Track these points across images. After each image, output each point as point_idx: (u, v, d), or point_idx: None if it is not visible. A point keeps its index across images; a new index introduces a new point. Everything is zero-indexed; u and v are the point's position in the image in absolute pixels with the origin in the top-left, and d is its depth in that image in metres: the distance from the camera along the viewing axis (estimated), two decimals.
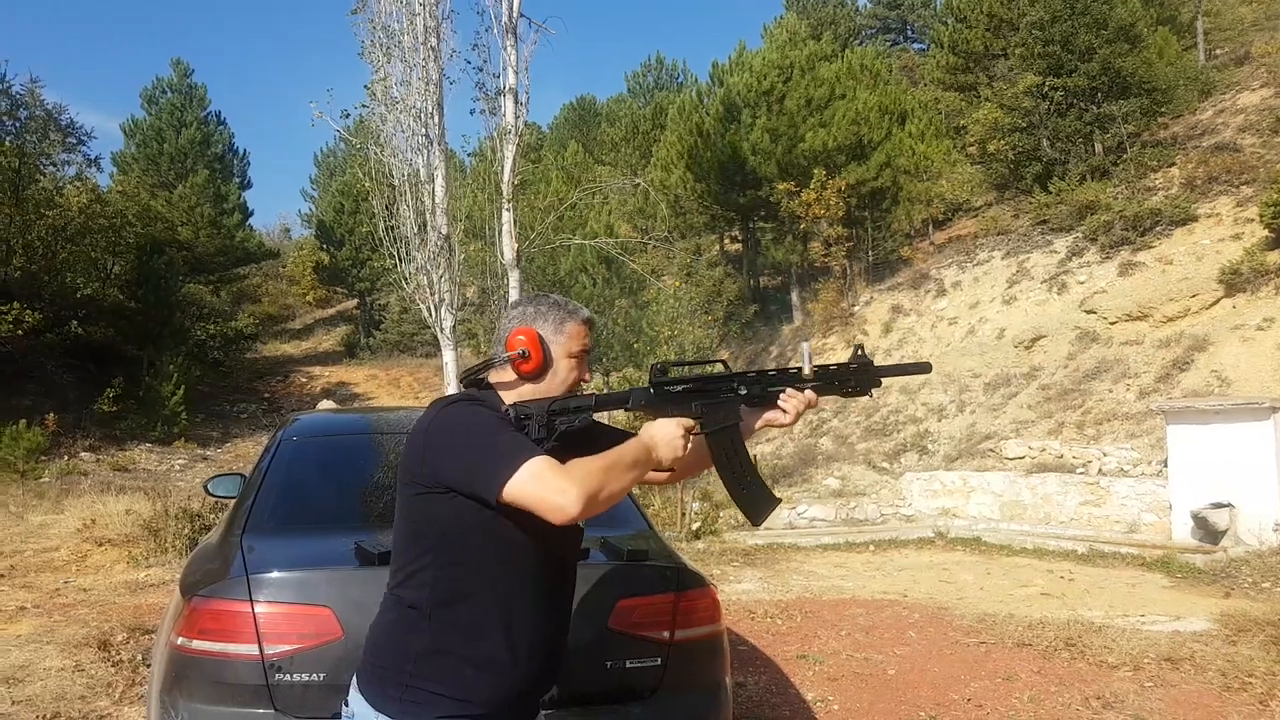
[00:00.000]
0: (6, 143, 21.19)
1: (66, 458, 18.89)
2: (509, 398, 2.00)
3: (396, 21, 12.89)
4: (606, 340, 19.21)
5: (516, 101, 12.86)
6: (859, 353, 2.21)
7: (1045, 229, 20.12)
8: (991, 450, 14.55)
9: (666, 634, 2.84)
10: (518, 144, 12.81)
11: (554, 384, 2.04)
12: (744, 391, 2.10)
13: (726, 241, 30.43)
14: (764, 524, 10.41)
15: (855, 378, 2.16)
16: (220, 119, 36.08)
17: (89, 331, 22.12)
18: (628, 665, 2.78)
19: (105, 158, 35.06)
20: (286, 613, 2.56)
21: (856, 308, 22.17)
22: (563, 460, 1.79)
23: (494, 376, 2.04)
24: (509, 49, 12.85)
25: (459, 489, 1.82)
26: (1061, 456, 13.43)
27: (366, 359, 33.81)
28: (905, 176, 23.00)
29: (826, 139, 22.56)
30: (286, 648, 2.51)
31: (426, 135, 12.57)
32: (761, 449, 18.40)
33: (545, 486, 1.74)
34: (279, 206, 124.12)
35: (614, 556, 2.88)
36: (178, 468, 20.09)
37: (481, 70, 13.13)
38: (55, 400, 20.75)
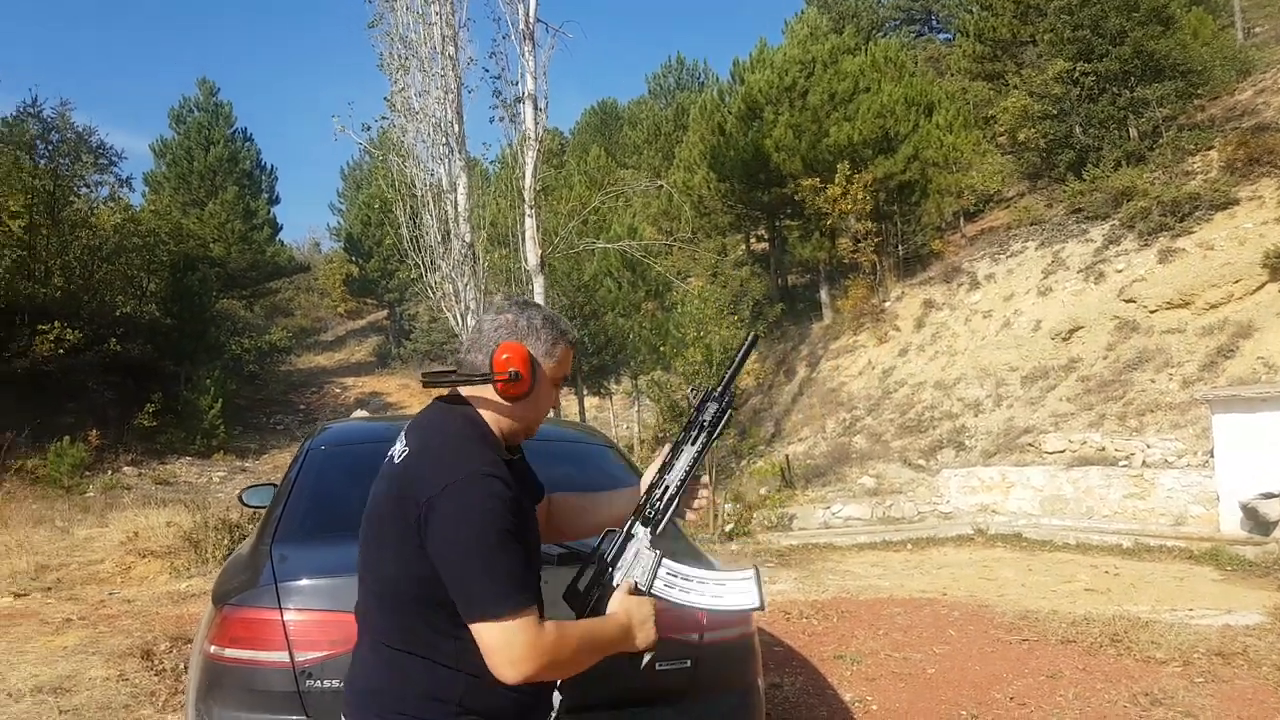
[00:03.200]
0: (40, 166, 21.57)
1: (110, 472, 19.18)
2: (487, 418, 1.84)
3: (414, 32, 12.99)
4: (633, 344, 19.15)
5: (536, 107, 12.89)
6: (692, 393, 2.01)
7: (1080, 217, 19.78)
8: (1031, 444, 14.31)
9: (695, 636, 2.79)
10: (538, 149, 12.82)
11: (532, 410, 1.89)
12: (642, 532, 1.90)
13: (752, 240, 30.24)
14: (797, 526, 10.13)
15: (708, 411, 1.94)
16: (247, 135, 36.51)
17: (127, 348, 22.45)
18: (656, 667, 2.71)
19: (137, 178, 35.74)
20: (316, 620, 2.55)
21: (887, 303, 21.93)
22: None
23: (468, 389, 1.85)
24: (526, 55, 12.88)
25: (440, 576, 1.68)
26: (1103, 449, 13.17)
27: (398, 369, 34.03)
28: (934, 169, 22.69)
29: (851, 133, 22.32)
30: (317, 654, 2.50)
31: (447, 144, 12.63)
32: (794, 449, 18.26)
33: (504, 650, 1.62)
34: (309, 221, 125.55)
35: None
36: (217, 479, 20.33)
37: (499, 78, 13.21)
38: (96, 417, 21.07)
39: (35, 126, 21.94)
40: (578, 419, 21.20)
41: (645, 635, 1.81)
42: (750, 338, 2.08)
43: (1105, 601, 7.90)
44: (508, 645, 1.61)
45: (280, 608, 2.56)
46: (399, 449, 1.82)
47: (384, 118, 13.06)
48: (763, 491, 14.98)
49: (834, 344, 22.23)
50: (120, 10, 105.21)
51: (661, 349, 16.16)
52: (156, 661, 6.07)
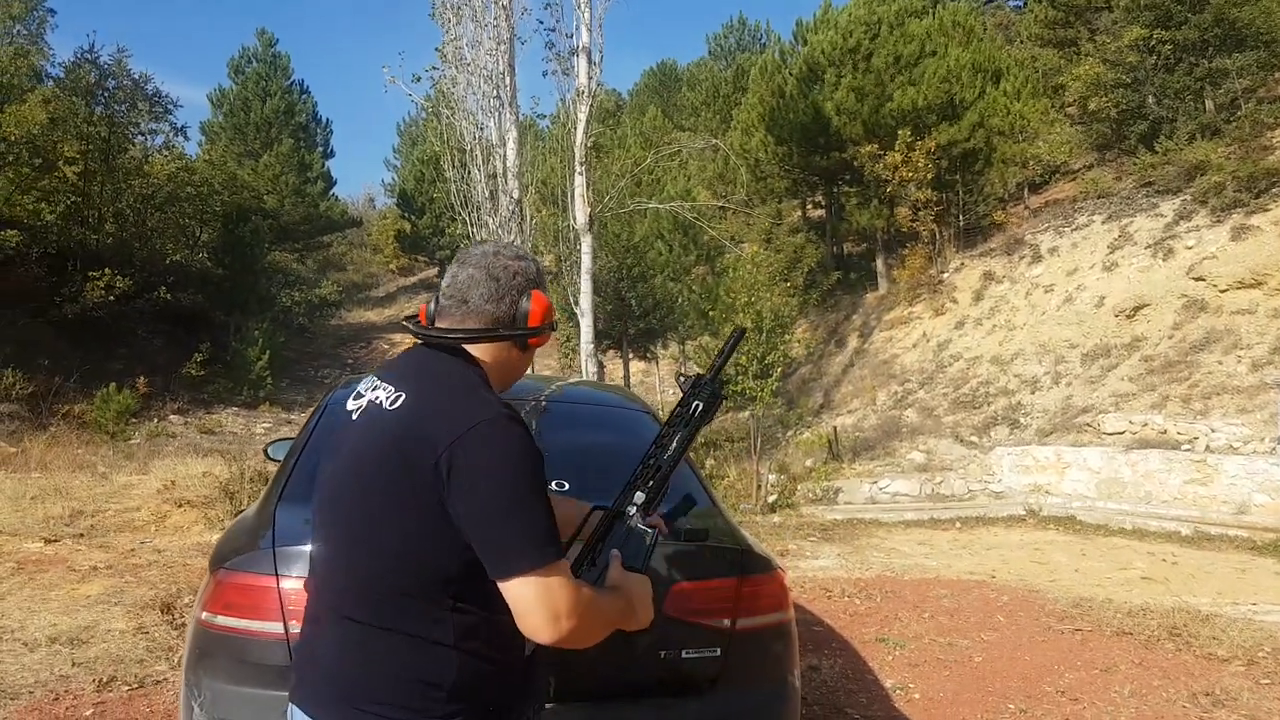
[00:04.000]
0: (96, 112, 21.73)
1: (156, 420, 19.42)
2: (485, 362, 1.71)
3: None
4: (681, 308, 18.85)
5: (590, 61, 12.56)
6: (681, 380, 2.00)
7: (1150, 191, 18.97)
8: (1089, 424, 13.79)
9: (727, 622, 2.59)
10: (591, 105, 12.50)
11: (525, 363, 1.82)
12: (637, 510, 1.83)
13: (809, 206, 29.66)
14: (842, 500, 9.84)
15: (699, 397, 1.93)
16: (304, 88, 36.64)
17: (178, 297, 22.72)
18: (684, 655, 2.53)
19: (194, 127, 35.97)
20: None
21: (945, 275, 21.34)
22: None
23: (481, 349, 1.72)
24: (582, 7, 12.56)
25: (463, 531, 1.52)
26: (1165, 432, 12.63)
27: None
28: (999, 137, 21.94)
29: (916, 98, 21.63)
30: None
31: (498, 97, 12.38)
32: (843, 420, 17.90)
33: (545, 605, 1.50)
34: (366, 177, 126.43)
35: (670, 536, 2.61)
36: (261, 431, 20.50)
37: (554, 30, 12.88)
38: (145, 364, 21.34)
39: (92, 73, 22.05)
40: (623, 383, 21.03)
41: (645, 613, 1.73)
42: (738, 331, 2.08)
43: (1163, 591, 7.53)
44: (550, 599, 1.49)
45: (277, 574, 2.39)
46: (385, 395, 1.64)
47: (434, 68, 12.84)
48: (808, 463, 14.67)
49: (888, 314, 21.73)
50: None
51: (710, 314, 15.82)
52: (176, 615, 5.97)
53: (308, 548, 2.35)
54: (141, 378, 19.82)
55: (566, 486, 2.65)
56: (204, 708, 2.40)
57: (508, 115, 12.41)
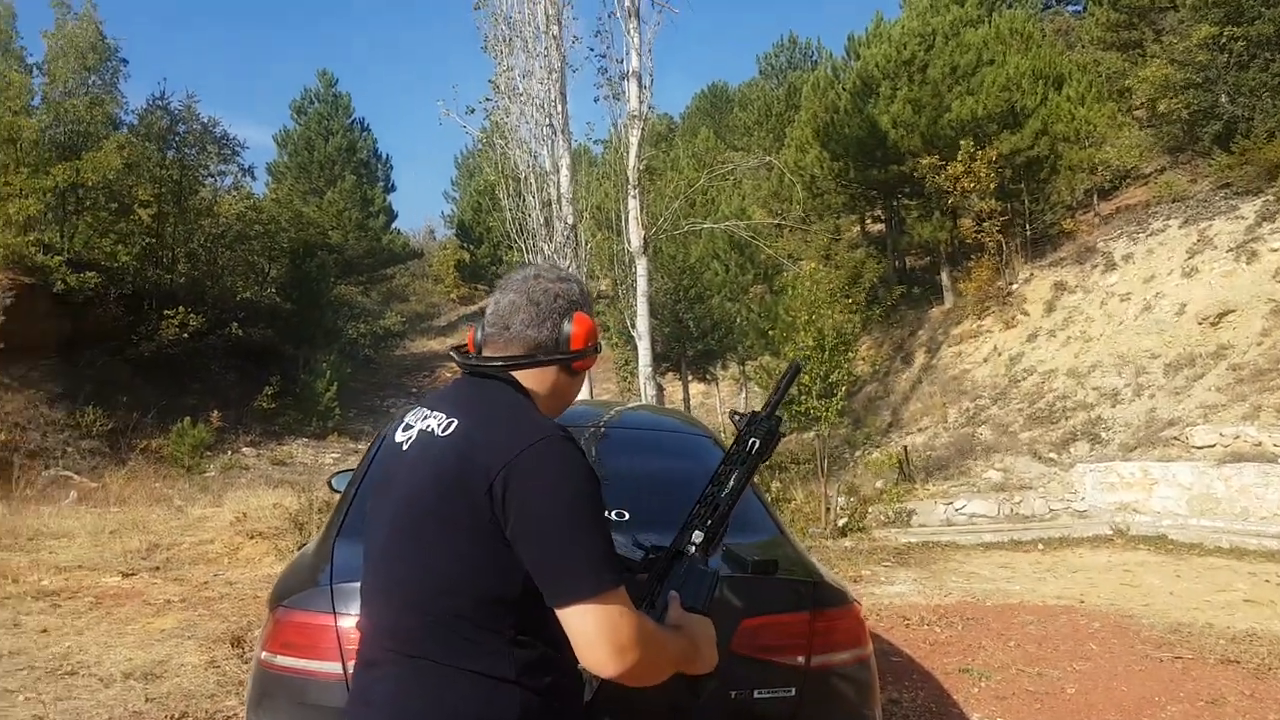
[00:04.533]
0: (168, 156, 22.43)
1: (230, 452, 19.82)
2: (533, 389, 1.67)
3: (518, 12, 12.84)
4: (740, 328, 18.65)
5: (640, 85, 12.57)
6: (735, 418, 1.97)
7: (1229, 193, 18.28)
8: (1176, 438, 13.19)
9: (801, 659, 2.43)
10: (643, 128, 12.47)
11: (574, 389, 1.77)
12: (696, 549, 1.78)
13: (868, 221, 29.27)
14: (916, 522, 9.50)
15: (755, 434, 1.88)
16: (364, 125, 37.45)
17: (248, 332, 23.26)
18: (756, 696, 2.38)
19: (260, 167, 37.10)
20: None
21: (1014, 286, 20.80)
22: None
23: (527, 375, 1.67)
24: (632, 32, 12.58)
25: (519, 555, 1.46)
26: (1260, 444, 12.01)
27: None
28: (1064, 144, 21.40)
29: (975, 107, 21.22)
30: None
31: (550, 125, 12.41)
32: (913, 439, 17.47)
33: (609, 636, 1.42)
34: (426, 210, 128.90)
35: (736, 568, 2.44)
36: (330, 460, 20.77)
37: (605, 56, 12.95)
38: (219, 398, 21.84)
39: (163, 119, 22.80)
40: (681, 406, 20.85)
41: (709, 655, 1.64)
42: (794, 366, 2.07)
43: (1270, 615, 7.07)
44: (613, 629, 1.42)
45: (335, 612, 2.31)
46: (437, 423, 1.60)
47: (487, 99, 12.94)
48: (879, 485, 14.30)
49: (955, 329, 21.24)
50: (248, 10, 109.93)
51: (770, 333, 15.59)
52: (246, 649, 5.95)
53: None
54: (215, 411, 20.28)
55: (627, 516, 2.56)
56: None
57: (560, 142, 12.43)
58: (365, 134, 37.32)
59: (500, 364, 1.65)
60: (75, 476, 15.99)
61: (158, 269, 21.89)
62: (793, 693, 2.40)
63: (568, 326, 1.66)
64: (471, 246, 36.52)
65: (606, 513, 1.55)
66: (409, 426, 1.67)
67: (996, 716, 4.84)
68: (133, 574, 8.96)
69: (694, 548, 1.75)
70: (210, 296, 23.21)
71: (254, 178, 27.02)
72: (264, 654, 2.41)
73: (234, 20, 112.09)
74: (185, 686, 5.39)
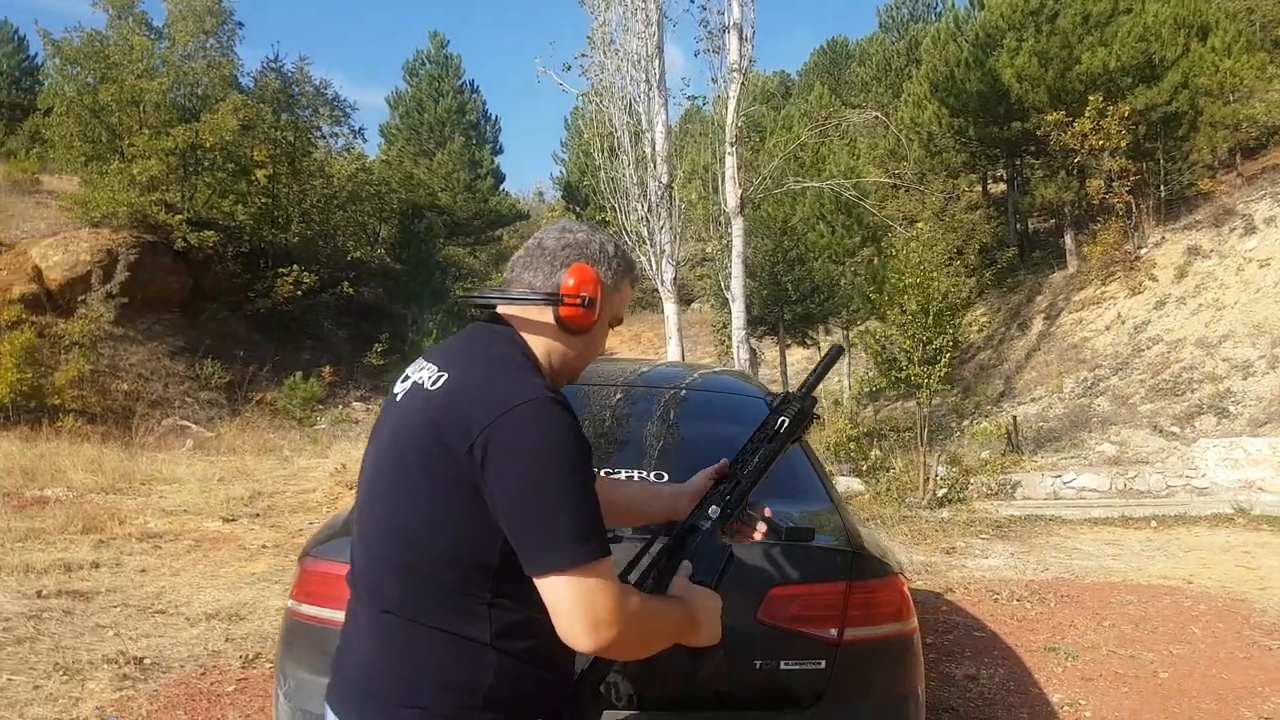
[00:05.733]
0: (282, 119, 23.13)
1: (340, 406, 20.49)
2: (535, 349, 1.57)
3: None
4: (845, 292, 18.13)
5: (741, 38, 12.21)
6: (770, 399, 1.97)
7: None
8: None
9: (834, 631, 2.30)
10: (742, 82, 12.08)
11: (587, 349, 1.64)
12: (712, 524, 1.72)
13: (989, 181, 28.03)
14: (1020, 495, 9.09)
15: (786, 413, 1.81)
16: (474, 88, 37.95)
17: (359, 291, 23.95)
18: (782, 667, 2.28)
19: (373, 129, 38.05)
20: None
21: (1144, 250, 19.64)
22: None
23: (518, 310, 1.58)
24: None
25: (497, 520, 1.39)
26: None
27: None
28: (1206, 99, 19.96)
29: (1107, 59, 19.95)
30: None
31: (646, 81, 12.17)
32: (1025, 409, 16.76)
33: (584, 609, 1.36)
34: (537, 172, 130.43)
35: (771, 534, 2.31)
36: None
37: (705, 9, 12.57)
38: (331, 354, 22.61)
39: (277, 81, 23.51)
40: (779, 371, 20.49)
41: (710, 629, 1.58)
42: (834, 349, 1.95)
43: None
44: (589, 603, 1.35)
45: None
46: (428, 374, 1.53)
47: (584, 55, 12.74)
48: (984, 455, 13.76)
49: (1078, 295, 20.22)
50: None
51: (874, 297, 15.08)
52: None
53: None
54: (327, 367, 20.96)
55: (665, 478, 2.53)
56: (289, 696, 2.38)
57: (656, 99, 12.18)
58: (475, 96, 37.80)
59: (478, 297, 1.63)
60: (193, 426, 16.80)
61: (273, 228, 22.67)
62: (822, 665, 2.28)
63: (561, 275, 1.57)
64: (577, 208, 36.67)
65: (594, 476, 1.46)
66: (406, 378, 1.60)
67: (1079, 698, 4.55)
68: (233, 520, 9.33)
69: (709, 522, 1.70)
70: (323, 255, 23.98)
71: (365, 139, 27.77)
72: (290, 602, 2.45)
73: None
74: (264, 629, 5.54)
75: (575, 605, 1.35)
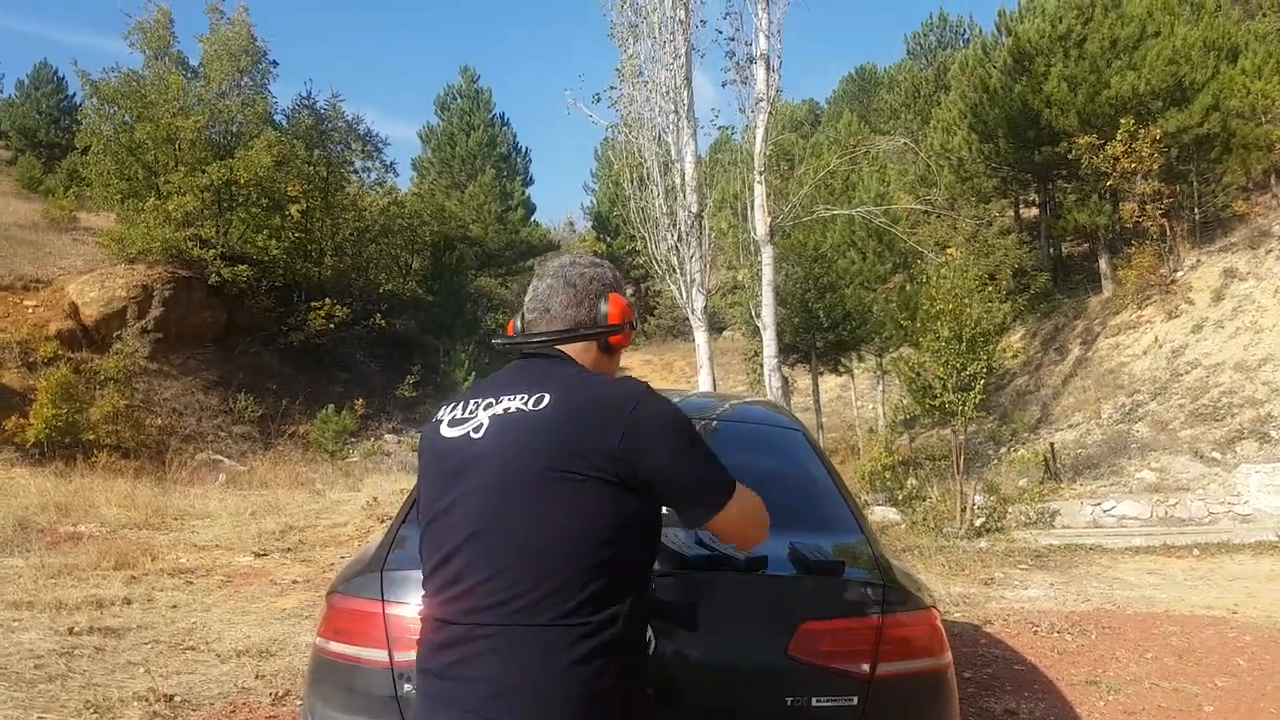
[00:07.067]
0: (315, 154, 23.46)
1: (372, 439, 20.55)
2: (586, 365, 1.82)
3: None
4: (877, 318, 18.01)
5: (768, 68, 12.28)
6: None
7: None
8: None
9: (866, 666, 2.25)
10: (770, 112, 12.12)
11: (616, 365, 1.91)
12: None
13: (1021, 206, 27.85)
14: (1059, 524, 8.91)
15: None
16: (504, 120, 38.41)
17: (391, 323, 24.09)
18: (814, 704, 2.22)
19: (404, 163, 38.61)
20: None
21: (1179, 273, 19.38)
22: None
23: (568, 347, 1.81)
24: (760, 14, 12.34)
25: (661, 491, 1.64)
26: None
27: (641, 344, 34.48)
28: (1238, 120, 19.80)
29: (1136, 83, 19.83)
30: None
31: (675, 112, 12.24)
32: (1062, 436, 16.50)
33: (753, 520, 1.75)
34: (567, 203, 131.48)
35: (799, 567, 2.30)
36: None
37: (733, 39, 12.67)
38: (363, 386, 22.71)
39: (310, 118, 23.90)
40: (811, 399, 20.34)
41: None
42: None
43: None
44: (756, 509, 1.75)
45: (383, 600, 2.30)
46: (520, 400, 1.70)
47: (613, 88, 12.84)
48: (1021, 483, 13.55)
49: (1114, 319, 19.95)
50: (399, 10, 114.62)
51: (906, 324, 14.96)
52: None
53: (412, 571, 2.21)
54: (360, 399, 21.06)
55: None
56: None
57: (685, 129, 12.23)
58: (505, 129, 38.24)
59: (544, 338, 1.80)
60: (225, 460, 16.91)
61: (306, 262, 22.88)
62: (854, 701, 2.22)
63: (604, 306, 1.81)
64: (608, 238, 36.89)
65: None
66: (462, 420, 1.74)
67: None
68: (264, 554, 9.32)
69: None
70: (355, 288, 24.19)
71: (396, 173, 28.02)
72: (318, 639, 2.43)
73: (386, 20, 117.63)
74: (295, 666, 5.49)
75: (754, 514, 1.74)
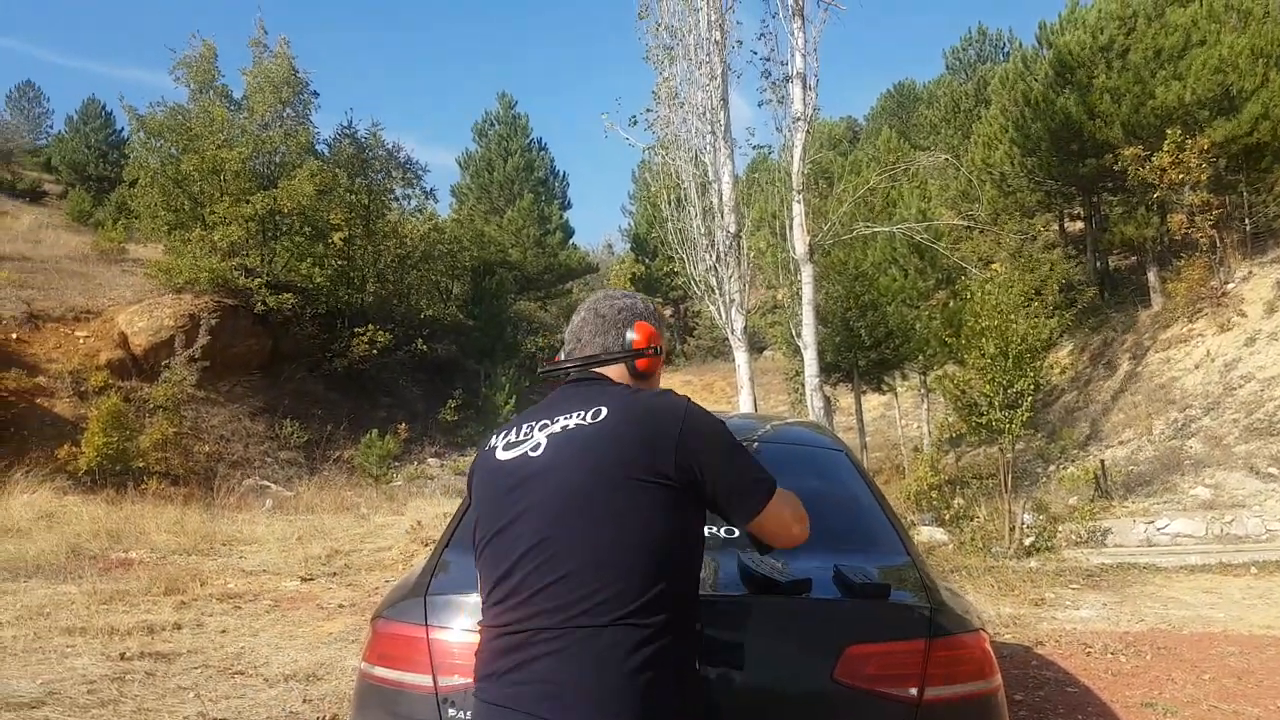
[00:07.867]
0: (357, 182, 23.85)
1: (416, 463, 20.73)
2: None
3: (680, 20, 12.77)
4: (921, 336, 17.79)
5: (805, 86, 12.26)
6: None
7: None
8: None
9: (914, 691, 2.22)
10: (807, 130, 12.09)
11: (652, 388, 2.05)
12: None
13: (1066, 220, 27.45)
14: (1111, 543, 8.70)
15: None
16: (542, 145, 38.77)
17: (433, 348, 24.36)
18: None
19: (444, 189, 39.30)
20: (464, 640, 2.25)
21: (1230, 285, 18.93)
22: None
23: (607, 370, 1.97)
24: (795, 33, 12.31)
25: (708, 494, 1.78)
26: None
27: (681, 365, 34.39)
28: None
29: (1182, 93, 19.48)
30: (462, 680, 2.21)
31: (711, 132, 12.28)
32: (1113, 453, 16.15)
33: (795, 516, 1.90)
34: (606, 226, 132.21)
35: (845, 590, 2.29)
36: None
37: (769, 59, 12.69)
38: (406, 411, 22.94)
39: (351, 147, 24.32)
40: (854, 419, 20.13)
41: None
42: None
43: None
44: (796, 506, 1.90)
45: (427, 624, 2.32)
46: (579, 418, 1.83)
47: (649, 110, 12.91)
48: (1071, 501, 13.27)
49: (1164, 333, 19.53)
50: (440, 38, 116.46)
51: (951, 341, 14.76)
52: None
53: (455, 596, 2.35)
54: (403, 424, 21.26)
55: (736, 533, 2.48)
56: None
57: (722, 149, 12.26)
58: (543, 153, 38.58)
59: (577, 363, 1.98)
60: (272, 486, 17.15)
61: (349, 289, 23.21)
62: None
63: (630, 333, 1.98)
64: (646, 259, 36.98)
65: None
66: (518, 443, 1.87)
67: None
68: (311, 579, 9.41)
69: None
70: (397, 314, 24.50)
71: (436, 199, 28.40)
72: (363, 664, 2.44)
73: (424, 49, 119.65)
74: (341, 690, 5.53)
75: (795, 512, 1.89)
